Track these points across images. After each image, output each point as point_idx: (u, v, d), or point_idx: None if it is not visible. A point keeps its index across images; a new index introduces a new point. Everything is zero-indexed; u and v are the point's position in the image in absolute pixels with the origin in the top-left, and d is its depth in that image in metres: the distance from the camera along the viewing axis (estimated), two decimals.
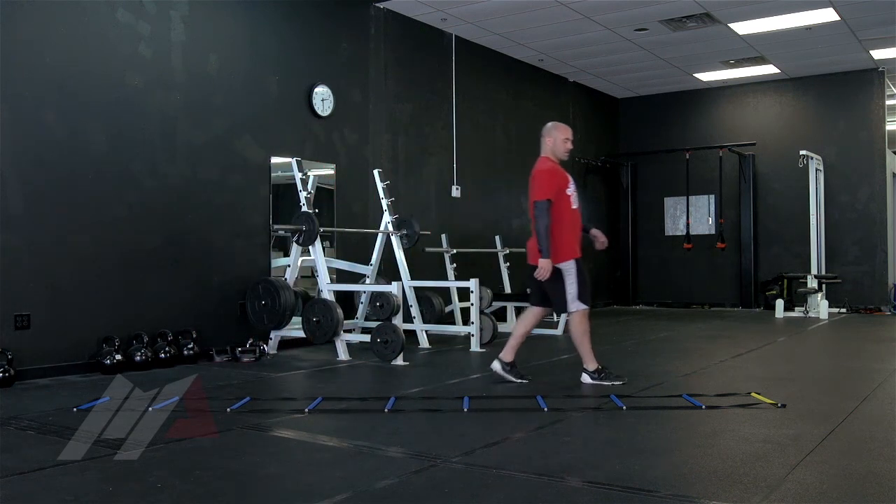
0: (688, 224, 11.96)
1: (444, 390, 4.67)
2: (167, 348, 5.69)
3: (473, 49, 9.43)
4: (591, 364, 4.83)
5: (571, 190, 4.90)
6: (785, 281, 10.76)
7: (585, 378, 4.84)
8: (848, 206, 11.04)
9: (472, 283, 6.66)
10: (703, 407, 4.05)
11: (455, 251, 8.20)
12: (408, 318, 6.97)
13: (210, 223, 6.33)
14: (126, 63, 5.76)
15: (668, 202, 12.42)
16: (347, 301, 7.22)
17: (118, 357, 5.40)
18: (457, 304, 7.92)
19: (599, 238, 5.16)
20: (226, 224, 6.46)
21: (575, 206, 4.90)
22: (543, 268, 4.68)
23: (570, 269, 4.78)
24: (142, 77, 5.86)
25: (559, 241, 4.75)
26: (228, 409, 4.02)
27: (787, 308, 10.26)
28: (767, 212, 11.62)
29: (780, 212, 11.48)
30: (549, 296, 4.86)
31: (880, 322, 9.33)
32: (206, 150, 6.31)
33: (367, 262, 7.17)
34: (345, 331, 6.30)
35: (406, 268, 7.14)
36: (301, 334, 6.25)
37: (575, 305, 4.77)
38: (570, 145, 4.97)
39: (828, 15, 8.46)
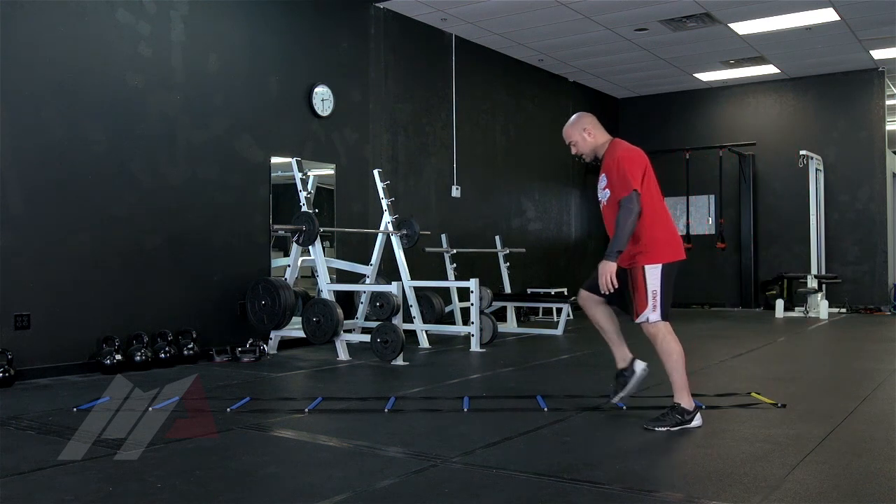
0: (688, 224, 11.95)
1: (444, 390, 4.67)
2: (167, 348, 5.69)
3: (473, 49, 9.43)
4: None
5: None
6: (785, 281, 10.76)
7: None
8: (848, 206, 11.03)
9: (472, 283, 6.67)
10: (703, 407, 4.05)
11: (455, 251, 8.20)
12: (408, 318, 6.97)
13: (210, 223, 6.33)
14: (126, 63, 5.76)
15: (668, 202, 12.30)
16: (347, 301, 7.22)
17: (118, 357, 5.39)
18: (457, 304, 7.92)
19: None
20: (226, 224, 6.45)
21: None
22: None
23: None
24: (142, 77, 5.86)
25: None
26: (228, 409, 4.02)
27: (787, 308, 10.26)
28: (767, 212, 11.61)
29: (780, 212, 11.48)
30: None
31: (880, 322, 9.33)
32: (206, 150, 6.31)
33: (367, 262, 7.16)
34: (345, 331, 6.30)
35: (406, 268, 7.14)
36: (301, 334, 6.25)
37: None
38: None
39: (828, 15, 8.46)
